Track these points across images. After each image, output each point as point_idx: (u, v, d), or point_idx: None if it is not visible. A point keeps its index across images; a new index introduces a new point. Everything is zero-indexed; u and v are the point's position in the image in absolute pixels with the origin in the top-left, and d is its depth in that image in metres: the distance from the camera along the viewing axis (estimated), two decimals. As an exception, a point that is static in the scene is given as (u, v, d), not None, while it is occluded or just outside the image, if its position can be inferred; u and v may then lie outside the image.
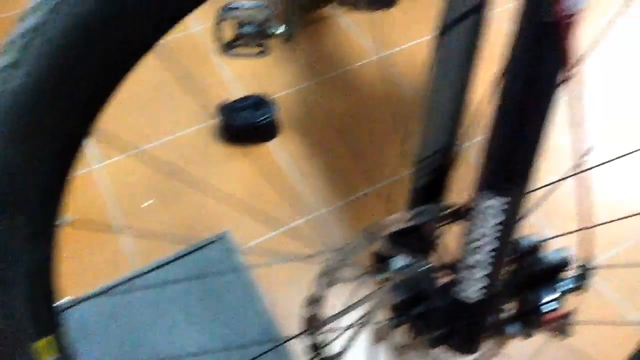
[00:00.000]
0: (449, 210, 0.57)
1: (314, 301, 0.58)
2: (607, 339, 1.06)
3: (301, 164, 1.39)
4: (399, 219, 0.56)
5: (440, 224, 0.60)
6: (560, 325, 0.62)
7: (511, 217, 0.50)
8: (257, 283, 1.18)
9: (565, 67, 0.43)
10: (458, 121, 0.62)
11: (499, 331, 0.63)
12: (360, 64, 1.63)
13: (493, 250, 0.52)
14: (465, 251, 0.53)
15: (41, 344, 0.53)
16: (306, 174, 1.37)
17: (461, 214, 0.57)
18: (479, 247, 0.52)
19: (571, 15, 0.42)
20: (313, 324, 0.59)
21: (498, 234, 0.51)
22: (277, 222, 1.27)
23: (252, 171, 1.39)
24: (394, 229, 0.56)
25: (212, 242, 1.25)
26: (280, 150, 1.43)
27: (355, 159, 1.38)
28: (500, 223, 0.50)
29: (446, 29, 0.56)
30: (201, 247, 1.24)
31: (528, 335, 0.65)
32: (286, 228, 1.26)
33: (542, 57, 0.43)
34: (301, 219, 1.28)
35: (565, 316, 0.63)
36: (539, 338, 0.70)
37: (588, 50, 1.52)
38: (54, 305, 0.54)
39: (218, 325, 1.12)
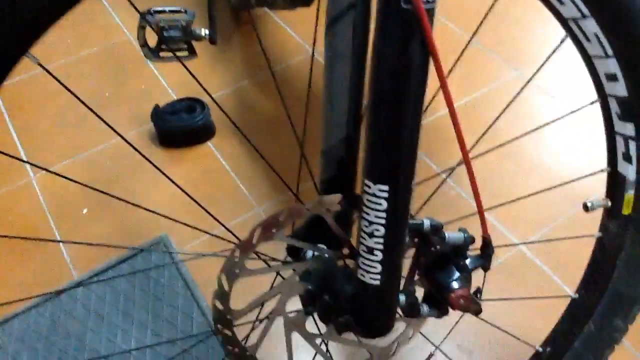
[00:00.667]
0: (344, 200, 0.58)
1: (222, 295, 0.58)
2: (526, 313, 1.10)
3: (237, 164, 1.40)
4: (297, 209, 0.57)
5: (343, 214, 0.61)
6: (470, 302, 0.64)
7: (395, 204, 0.51)
8: (195, 284, 1.18)
9: (427, 53, 0.45)
10: (355, 112, 0.63)
11: (411, 312, 0.65)
12: (291, 62, 1.64)
13: (383, 235, 0.53)
14: (361, 237, 0.55)
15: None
16: (242, 174, 1.37)
17: (356, 202, 0.58)
18: (370, 233, 0.53)
19: (428, 2, 0.43)
20: (223, 319, 0.60)
21: (385, 221, 0.52)
22: (213, 222, 1.26)
23: (188, 173, 1.38)
24: (291, 221, 0.57)
25: (150, 246, 1.24)
26: (215, 152, 1.42)
27: (289, 157, 1.39)
28: (385, 210, 0.51)
29: (333, 22, 0.57)
30: (140, 252, 1.23)
31: (441, 314, 0.66)
32: (224, 228, 1.26)
33: (405, 44, 0.44)
34: (238, 218, 1.29)
35: (474, 293, 0.65)
36: (454, 316, 0.72)
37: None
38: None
39: (160, 326, 1.12)
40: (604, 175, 0.73)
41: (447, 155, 1.37)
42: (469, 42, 0.75)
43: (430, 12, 0.43)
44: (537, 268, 1.18)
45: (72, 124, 1.51)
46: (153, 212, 0.62)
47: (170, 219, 0.69)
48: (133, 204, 0.64)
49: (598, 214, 0.76)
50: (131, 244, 1.25)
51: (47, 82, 1.62)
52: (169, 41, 1.30)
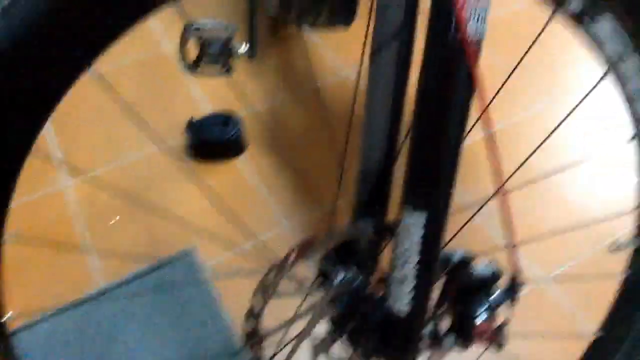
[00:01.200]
0: (380, 226, 0.59)
1: (253, 315, 0.60)
2: (548, 349, 1.09)
3: (267, 180, 1.42)
4: (334, 234, 0.59)
5: (375, 239, 0.63)
6: (495, 336, 0.65)
7: (432, 232, 0.52)
8: (221, 299, 1.19)
9: (474, 90, 0.46)
10: (395, 136, 0.65)
11: (435, 344, 0.65)
12: (326, 81, 1.66)
13: (418, 264, 0.54)
14: (393, 265, 0.56)
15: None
16: (272, 190, 1.40)
17: (391, 229, 0.59)
18: (404, 261, 0.54)
19: (474, 42, 0.45)
20: (253, 338, 0.61)
21: (421, 249, 0.53)
22: (243, 237, 1.28)
23: (219, 187, 1.41)
24: (327, 244, 0.59)
25: (177, 258, 1.26)
26: (246, 167, 1.45)
27: (320, 176, 1.41)
28: (422, 238, 0.52)
29: (378, 48, 0.59)
30: (166, 264, 1.25)
31: (464, 347, 0.67)
32: (252, 243, 1.28)
33: (451, 80, 0.46)
34: (267, 234, 1.30)
35: (499, 327, 0.65)
36: (478, 350, 0.72)
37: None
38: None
39: (181, 340, 1.14)
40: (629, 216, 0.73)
41: (476, 184, 1.37)
42: (511, 72, 0.76)
43: (477, 45, 0.45)
44: (560, 305, 1.17)
45: (107, 132, 1.55)
46: (184, 224, 0.64)
47: (201, 232, 0.71)
48: (163, 215, 0.66)
49: (622, 253, 0.76)
50: (159, 254, 1.27)
51: (85, 88, 1.67)
52: (208, 56, 1.33)
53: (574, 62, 1.69)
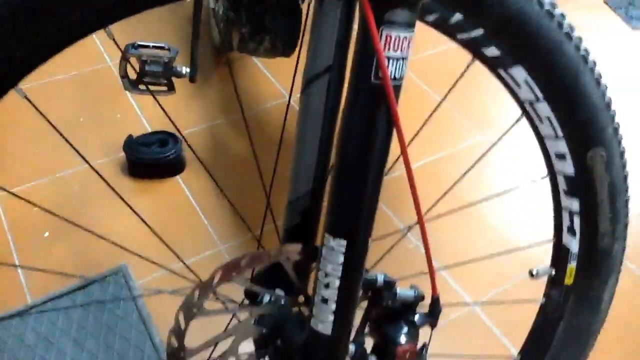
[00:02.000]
0: (305, 250, 0.61)
1: (177, 333, 0.60)
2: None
3: (204, 201, 1.42)
4: (258, 256, 0.60)
5: (303, 262, 0.64)
6: (415, 357, 0.67)
7: (352, 258, 0.54)
8: (151, 318, 1.18)
9: (392, 125, 0.49)
10: (323, 168, 0.67)
11: (359, 364, 0.67)
12: (267, 106, 1.68)
13: (340, 287, 0.56)
14: (317, 287, 0.57)
15: None
16: (208, 211, 1.40)
17: (315, 253, 0.61)
18: (326, 284, 0.56)
19: (395, 79, 0.47)
20: (177, 356, 0.61)
21: (342, 273, 0.55)
22: (175, 257, 1.27)
23: (154, 206, 1.40)
24: (253, 266, 0.60)
25: (108, 276, 1.24)
26: (184, 187, 1.45)
27: (255, 198, 1.42)
28: (342, 264, 0.54)
29: (310, 80, 0.61)
30: (96, 281, 1.23)
31: (386, 368, 0.69)
32: (187, 262, 1.27)
33: (372, 118, 0.48)
34: (201, 255, 1.30)
35: (420, 349, 0.68)
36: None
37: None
38: None
39: (110, 358, 1.12)
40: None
41: (407, 208, 1.41)
42: (437, 106, 0.79)
43: (397, 89, 0.47)
44: (487, 328, 1.22)
45: (40, 146, 1.52)
46: (114, 243, 0.64)
47: (130, 251, 0.71)
48: (92, 232, 0.65)
49: (543, 280, 0.80)
50: (91, 271, 1.25)
51: (17, 102, 1.63)
52: (149, 75, 1.34)
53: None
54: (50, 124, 0.60)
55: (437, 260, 1.24)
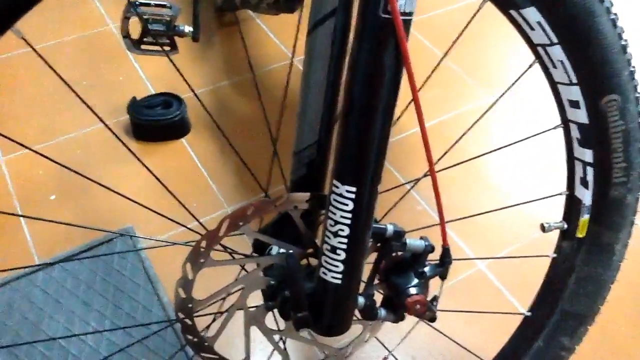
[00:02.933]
0: (312, 199, 0.60)
1: (185, 285, 0.59)
2: (476, 330, 1.13)
3: (209, 163, 1.41)
4: (265, 204, 0.59)
5: (311, 212, 0.63)
6: (426, 309, 0.66)
7: (361, 206, 0.53)
8: (159, 278, 1.18)
9: (401, 63, 0.47)
10: (329, 116, 0.65)
11: (369, 315, 0.66)
12: (271, 67, 1.65)
13: (347, 236, 0.55)
14: (325, 236, 0.56)
15: None
16: (213, 173, 1.38)
17: (323, 201, 0.60)
18: (335, 232, 0.55)
19: (405, 13, 0.45)
20: (185, 308, 0.61)
21: (350, 221, 0.54)
22: (182, 218, 1.27)
23: (159, 168, 1.39)
24: (260, 214, 0.59)
25: (115, 237, 1.24)
26: (189, 149, 1.43)
27: (260, 158, 1.40)
28: (351, 211, 0.53)
29: (314, 26, 0.59)
30: (103, 242, 1.23)
31: (397, 319, 0.68)
32: (191, 225, 1.26)
33: (380, 51, 0.47)
34: (207, 217, 1.29)
35: (431, 301, 0.67)
36: (409, 326, 0.74)
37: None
38: None
39: (118, 317, 1.12)
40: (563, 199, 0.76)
41: (415, 171, 1.40)
42: (441, 59, 0.77)
43: (407, 23, 0.46)
44: (494, 287, 1.21)
45: (44, 109, 1.50)
46: (128, 199, 0.63)
47: (142, 205, 0.70)
48: (106, 187, 0.65)
49: (556, 236, 0.79)
50: (97, 233, 1.25)
51: (22, 64, 1.61)
52: (152, 34, 1.31)
53: (511, 53, 1.74)
54: (63, 80, 0.59)
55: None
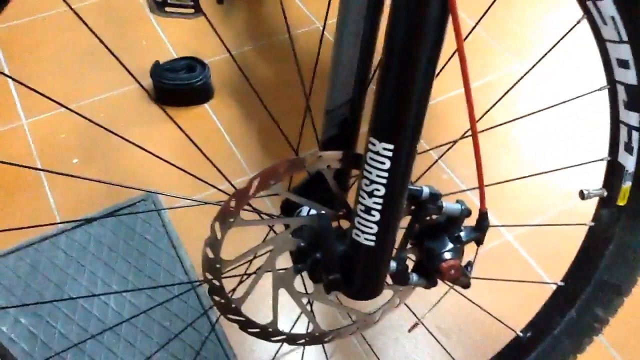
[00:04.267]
0: (345, 157, 0.57)
1: (213, 244, 0.58)
2: (506, 301, 1.10)
3: (233, 128, 1.38)
4: (297, 162, 0.57)
5: (340, 172, 0.61)
6: (460, 273, 0.64)
7: (398, 165, 0.51)
8: (182, 242, 1.17)
9: (447, 17, 0.44)
10: (364, 73, 0.63)
11: (401, 280, 0.64)
12: (298, 31, 1.62)
13: (383, 196, 0.52)
14: (360, 197, 0.54)
15: None
16: (237, 138, 1.36)
17: (358, 160, 0.57)
18: (370, 192, 0.52)
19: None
20: (213, 268, 0.59)
21: (386, 181, 0.51)
22: (204, 183, 1.25)
23: (182, 133, 1.37)
24: (287, 174, 0.56)
25: (138, 201, 1.23)
26: (212, 114, 1.41)
27: (286, 126, 1.38)
28: (388, 170, 0.51)
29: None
30: (127, 206, 1.22)
31: (429, 285, 0.66)
32: (213, 191, 1.25)
33: (424, 5, 0.44)
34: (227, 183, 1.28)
35: (465, 266, 0.65)
36: (437, 296, 0.72)
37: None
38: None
39: (141, 280, 1.11)
40: (596, 170, 0.73)
41: (440, 140, 1.36)
42: (474, 27, 0.74)
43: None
44: (522, 257, 1.18)
45: (68, 72, 1.49)
46: (156, 156, 0.61)
47: (170, 163, 0.68)
48: (139, 147, 0.63)
49: (587, 207, 0.76)
50: (119, 199, 1.24)
51: (44, 27, 1.60)
52: (176, -5, 1.28)
53: (544, 21, 1.69)
54: (100, 39, 0.56)
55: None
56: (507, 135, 1.38)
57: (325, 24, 0.94)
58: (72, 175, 0.66)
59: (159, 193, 1.22)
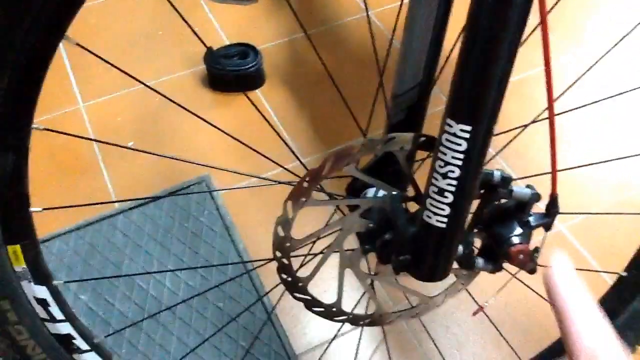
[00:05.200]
0: (418, 139, 0.57)
1: (284, 223, 0.58)
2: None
3: (285, 114, 1.40)
4: (372, 142, 0.57)
5: (411, 154, 0.61)
6: (528, 258, 0.63)
7: (474, 146, 0.51)
8: (235, 225, 1.19)
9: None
10: (434, 58, 0.63)
11: (467, 264, 0.64)
12: (350, 19, 1.62)
13: (457, 178, 0.52)
14: (433, 178, 0.54)
15: (10, 249, 0.54)
16: (289, 124, 1.38)
17: (431, 143, 0.57)
18: (444, 174, 0.53)
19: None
20: (283, 247, 0.60)
21: (461, 162, 0.51)
22: (258, 168, 1.27)
23: (236, 118, 1.39)
24: (361, 154, 0.57)
25: (192, 184, 1.25)
26: (264, 100, 1.43)
27: (338, 114, 1.38)
28: (464, 152, 0.51)
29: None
30: (181, 189, 1.24)
31: (494, 269, 0.66)
32: (267, 174, 1.26)
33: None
34: (279, 169, 1.29)
35: (532, 252, 0.64)
36: (504, 278, 0.72)
37: None
38: (26, 212, 0.55)
39: (195, 261, 1.14)
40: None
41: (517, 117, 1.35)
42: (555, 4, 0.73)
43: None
44: (575, 249, 1.17)
45: (123, 58, 1.52)
46: (224, 132, 0.62)
47: (240, 141, 0.69)
48: (204, 120, 0.64)
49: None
50: (175, 180, 1.26)
51: (99, 14, 1.63)
52: (232, -18, 1.29)
53: (601, 11, 1.65)
54: (177, 11, 0.58)
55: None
56: (562, 126, 1.36)
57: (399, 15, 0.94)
58: (130, 148, 0.68)
59: (220, 169, 1.24)
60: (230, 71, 1.40)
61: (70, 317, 0.63)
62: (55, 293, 0.61)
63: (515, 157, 1.27)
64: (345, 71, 1.48)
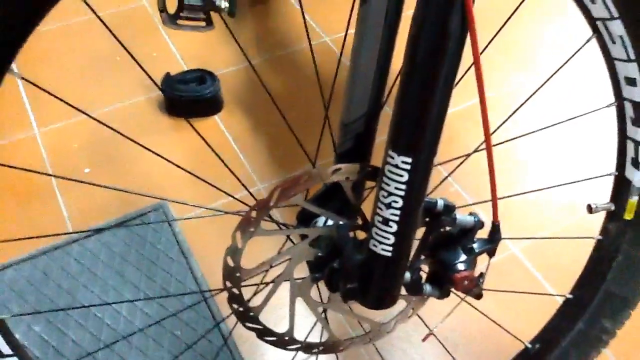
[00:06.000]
0: (364, 169, 0.59)
1: (234, 253, 0.59)
2: (513, 313, 1.12)
3: (242, 140, 1.40)
4: (319, 173, 0.58)
5: (358, 184, 0.63)
6: (473, 284, 0.65)
7: (416, 177, 0.52)
8: (192, 252, 1.19)
9: (466, 33, 0.46)
10: (380, 88, 0.64)
11: (415, 290, 0.66)
12: (303, 46, 1.64)
13: (401, 208, 0.54)
14: (378, 208, 0.56)
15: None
16: (246, 150, 1.38)
17: (376, 173, 0.59)
18: (388, 204, 0.54)
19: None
20: (233, 277, 0.61)
21: (404, 193, 0.53)
22: (214, 195, 1.27)
23: (193, 144, 1.39)
24: (308, 185, 0.58)
25: (149, 211, 1.25)
26: (222, 125, 1.43)
27: (293, 138, 1.40)
28: (406, 182, 0.52)
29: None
30: (137, 216, 1.24)
31: (442, 295, 0.68)
32: (221, 202, 1.27)
33: (445, 14, 0.46)
34: (239, 193, 1.29)
35: (477, 278, 0.66)
36: (453, 302, 0.73)
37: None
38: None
39: (152, 289, 1.13)
40: (603, 185, 0.75)
41: (447, 155, 1.38)
42: (490, 40, 0.76)
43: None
44: (528, 271, 1.20)
45: (79, 83, 1.51)
46: (175, 164, 0.63)
47: (189, 172, 0.70)
48: (155, 153, 0.65)
49: (592, 222, 0.78)
50: (130, 208, 1.25)
51: (57, 38, 1.62)
52: (188, 9, 1.31)
53: (546, 34, 1.71)
54: (123, 46, 0.58)
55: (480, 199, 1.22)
56: (513, 151, 1.40)
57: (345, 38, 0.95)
58: (84, 182, 0.68)
59: (173, 201, 1.24)
60: (187, 96, 1.41)
61: (18, 351, 0.62)
62: (2, 328, 0.60)
63: (471, 181, 1.31)
64: (305, 96, 1.50)
